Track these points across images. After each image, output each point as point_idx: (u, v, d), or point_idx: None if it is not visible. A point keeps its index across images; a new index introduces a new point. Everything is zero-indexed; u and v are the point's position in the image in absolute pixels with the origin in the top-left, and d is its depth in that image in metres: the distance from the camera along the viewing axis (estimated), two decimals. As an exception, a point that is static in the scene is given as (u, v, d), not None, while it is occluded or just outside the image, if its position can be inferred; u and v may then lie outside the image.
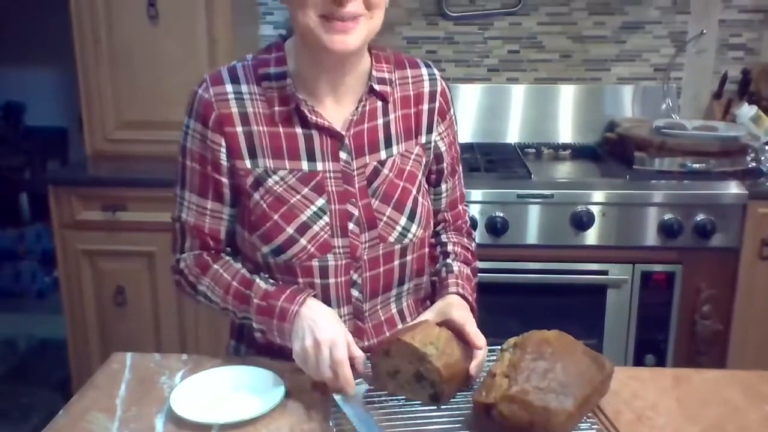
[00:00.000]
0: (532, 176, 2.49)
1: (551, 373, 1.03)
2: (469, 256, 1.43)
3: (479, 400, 1.03)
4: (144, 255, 2.66)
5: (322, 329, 1.17)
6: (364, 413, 1.10)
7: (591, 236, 2.43)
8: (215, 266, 1.32)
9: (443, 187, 1.42)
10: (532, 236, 2.46)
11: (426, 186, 1.39)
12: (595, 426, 1.08)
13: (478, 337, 1.20)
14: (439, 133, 1.37)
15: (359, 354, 1.17)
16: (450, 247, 1.42)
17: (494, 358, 1.26)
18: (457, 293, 1.30)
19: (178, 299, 2.69)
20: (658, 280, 2.47)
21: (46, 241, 3.79)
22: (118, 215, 2.64)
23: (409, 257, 1.34)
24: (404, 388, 1.17)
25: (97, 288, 2.73)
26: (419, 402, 1.16)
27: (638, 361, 2.53)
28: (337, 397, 1.14)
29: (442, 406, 1.14)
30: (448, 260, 1.39)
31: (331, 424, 1.09)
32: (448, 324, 1.22)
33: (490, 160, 2.68)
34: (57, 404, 1.20)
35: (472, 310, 1.30)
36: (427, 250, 1.38)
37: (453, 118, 1.41)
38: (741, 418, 1.15)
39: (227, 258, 1.35)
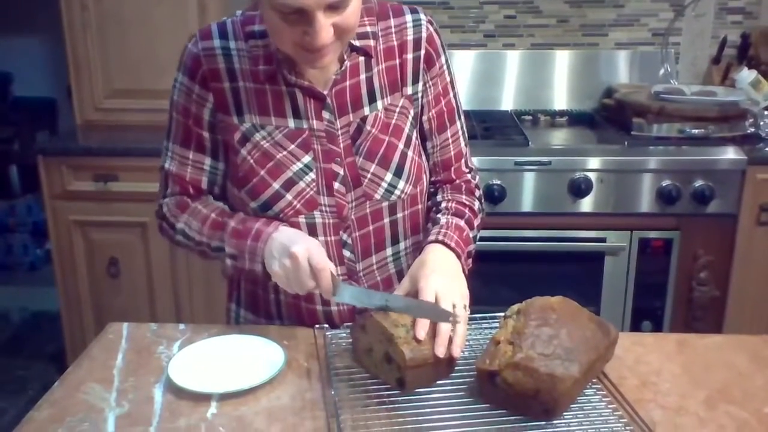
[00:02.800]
0: (530, 143, 2.47)
1: (556, 339, 1.02)
2: (464, 210, 1.34)
3: (483, 368, 1.02)
4: (137, 225, 2.64)
5: (296, 243, 1.15)
6: (361, 290, 1.16)
7: (588, 203, 2.42)
8: (194, 204, 1.31)
9: (429, 143, 1.36)
10: (529, 204, 2.45)
11: (419, 140, 1.34)
12: (600, 392, 1.06)
13: (420, 322, 1.08)
14: (425, 83, 1.32)
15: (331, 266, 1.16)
16: (443, 205, 1.34)
17: (496, 325, 1.25)
18: (436, 241, 1.24)
19: (172, 269, 2.67)
20: (656, 246, 2.46)
21: (36, 213, 3.75)
22: (110, 185, 2.61)
23: (399, 215, 1.31)
24: (377, 368, 1.11)
25: (89, 259, 2.71)
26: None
27: (635, 328, 2.53)
28: (336, 298, 1.16)
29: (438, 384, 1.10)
30: (438, 215, 1.33)
31: (333, 392, 1.07)
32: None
33: (486, 128, 2.65)
34: (52, 376, 1.18)
35: (458, 257, 1.24)
36: (421, 207, 1.35)
37: (445, 66, 1.34)
38: (746, 382, 1.14)
39: (209, 197, 1.33)
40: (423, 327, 1.07)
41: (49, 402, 1.10)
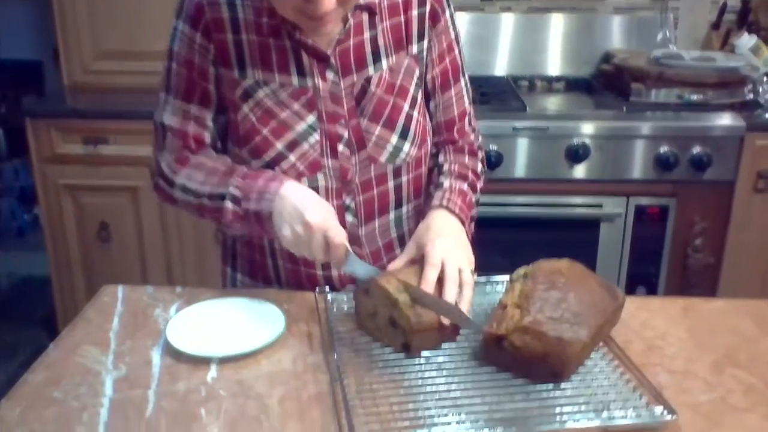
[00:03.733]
0: (527, 109, 2.44)
1: (564, 303, 1.00)
2: (467, 173, 1.31)
3: (490, 332, 1.00)
4: (127, 189, 2.60)
5: (310, 209, 1.09)
6: (373, 269, 1.12)
7: (585, 169, 2.40)
8: (196, 157, 1.24)
9: (432, 102, 1.32)
10: (525, 170, 2.43)
11: (423, 101, 1.30)
12: (608, 356, 1.05)
13: (426, 282, 1.07)
14: (430, 40, 1.27)
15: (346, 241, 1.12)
16: (446, 167, 1.31)
17: (501, 289, 1.23)
18: (441, 206, 1.21)
19: (163, 234, 2.64)
20: (652, 213, 2.45)
21: (24, 177, 3.69)
22: (100, 148, 2.56)
23: (404, 178, 1.28)
24: (381, 332, 1.09)
25: (79, 224, 2.68)
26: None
27: (630, 293, 2.49)
28: (345, 270, 1.14)
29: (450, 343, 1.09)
30: (441, 178, 1.29)
31: (335, 356, 1.05)
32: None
33: (482, 93, 2.61)
34: (43, 341, 1.16)
35: (462, 223, 1.21)
36: (425, 170, 1.32)
37: (449, 23, 1.29)
38: (753, 346, 1.13)
39: (211, 150, 1.27)
40: (429, 290, 1.05)
41: (44, 365, 1.08)
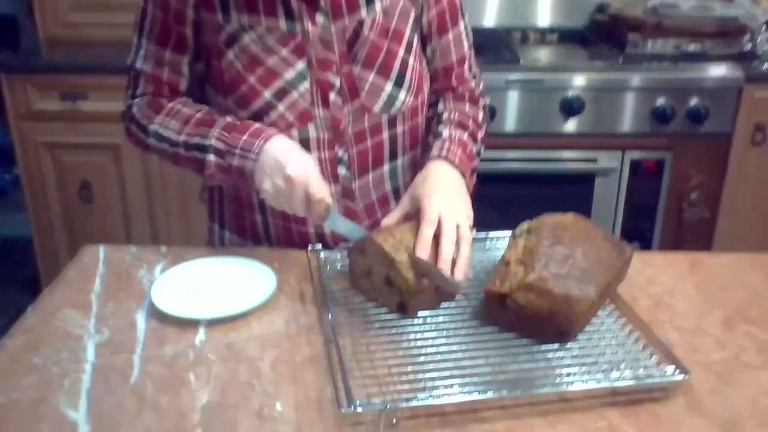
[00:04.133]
0: (521, 60, 2.37)
1: (571, 259, 0.95)
2: (468, 122, 1.24)
3: (493, 290, 0.95)
4: (108, 147, 2.51)
5: (292, 162, 1.05)
6: (356, 226, 1.08)
7: (580, 123, 2.35)
8: (171, 104, 1.18)
9: (429, 47, 1.25)
10: (518, 124, 2.37)
11: (420, 45, 1.23)
12: (615, 313, 1.01)
13: (422, 239, 1.00)
14: None
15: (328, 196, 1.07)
16: (445, 116, 1.24)
17: (500, 245, 1.18)
18: (439, 157, 1.15)
19: (147, 193, 2.57)
20: (648, 167, 2.41)
21: (2, 136, 3.59)
22: (79, 104, 2.48)
23: (399, 128, 1.22)
24: (377, 291, 1.04)
25: (60, 183, 2.60)
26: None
27: (624, 250, 2.49)
28: (327, 225, 1.09)
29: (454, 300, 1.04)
30: (440, 127, 1.23)
31: (329, 316, 1.00)
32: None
33: (474, 44, 2.53)
34: (25, 303, 1.10)
35: (462, 176, 1.15)
36: (421, 119, 1.25)
37: None
38: (764, 302, 1.08)
39: (188, 99, 1.20)
40: (424, 247, 0.99)
41: (22, 329, 1.02)
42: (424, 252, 0.98)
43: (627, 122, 2.35)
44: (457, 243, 1.01)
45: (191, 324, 1.02)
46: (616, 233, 2.48)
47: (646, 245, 2.49)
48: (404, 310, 1.00)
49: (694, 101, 2.30)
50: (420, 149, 1.27)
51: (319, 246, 1.17)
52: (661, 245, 2.50)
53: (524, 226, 1.04)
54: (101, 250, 1.24)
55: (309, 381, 0.91)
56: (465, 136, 1.22)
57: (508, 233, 1.12)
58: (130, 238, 2.64)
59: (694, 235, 2.49)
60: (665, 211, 2.46)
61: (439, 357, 0.91)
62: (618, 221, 2.47)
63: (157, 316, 1.04)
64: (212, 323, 1.03)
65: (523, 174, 2.41)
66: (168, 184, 2.53)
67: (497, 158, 2.36)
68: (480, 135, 1.27)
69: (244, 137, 1.09)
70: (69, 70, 2.47)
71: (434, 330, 0.97)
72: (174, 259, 1.20)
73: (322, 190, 1.05)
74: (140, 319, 1.04)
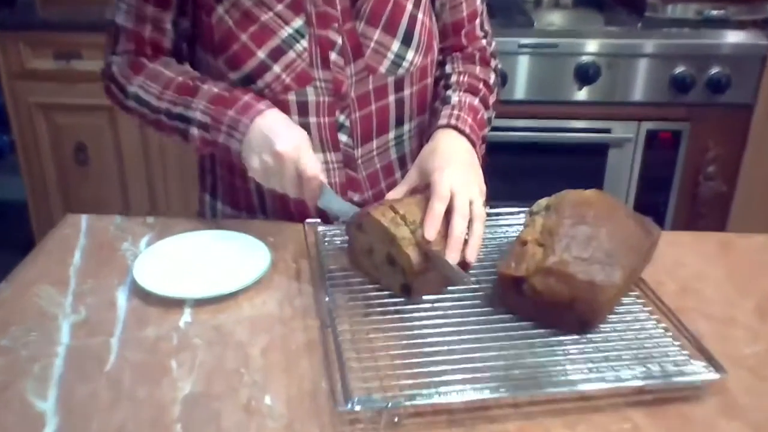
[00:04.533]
0: (534, 24, 2.26)
1: (595, 240, 0.85)
2: (479, 86, 1.15)
3: (507, 273, 0.86)
4: (104, 109, 2.41)
5: (282, 137, 0.96)
6: (352, 207, 1.00)
7: (594, 91, 2.25)
8: (153, 65, 1.09)
9: (438, 1, 1.16)
10: (530, 91, 2.27)
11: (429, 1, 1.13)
12: (640, 300, 0.92)
13: (432, 216, 0.90)
14: None
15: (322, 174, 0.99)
16: (454, 78, 1.15)
17: (516, 222, 1.09)
18: (448, 125, 1.06)
19: (144, 156, 2.49)
20: (664, 138, 2.31)
21: (-3, 96, 3.49)
22: (73, 64, 2.38)
23: (406, 91, 1.12)
24: (379, 270, 0.94)
25: (55, 146, 2.52)
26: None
27: (637, 225, 2.40)
28: (320, 204, 1.00)
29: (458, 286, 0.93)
30: (448, 92, 1.14)
31: (327, 298, 0.91)
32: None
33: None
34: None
35: (473, 145, 1.06)
36: (430, 81, 1.15)
37: None
38: (801, 290, 1.00)
39: (171, 59, 1.11)
40: (433, 225, 0.90)
41: (-7, 306, 0.94)
42: (433, 229, 0.89)
43: (644, 91, 2.25)
44: (470, 221, 0.92)
45: (176, 304, 0.94)
46: (628, 206, 2.39)
47: (659, 220, 2.41)
48: (408, 292, 0.91)
49: (714, 69, 2.20)
50: (428, 115, 1.17)
51: (318, 220, 1.08)
52: (674, 220, 2.42)
53: (542, 202, 0.94)
54: (83, 219, 1.15)
55: (303, 371, 0.83)
56: (476, 101, 1.13)
57: (522, 210, 1.03)
58: (127, 202, 2.57)
59: (710, 210, 2.41)
60: (680, 184, 2.37)
61: (446, 348, 0.82)
62: (631, 194, 2.39)
63: (140, 294, 0.96)
64: (199, 303, 0.94)
65: (533, 144, 2.31)
66: (166, 146, 2.44)
67: (506, 127, 2.26)
68: (491, 100, 1.18)
69: (230, 113, 1.00)
70: (63, 27, 2.37)
71: (441, 317, 0.88)
72: (161, 232, 1.11)
73: (313, 167, 0.96)
74: (121, 298, 0.96)
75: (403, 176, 1.13)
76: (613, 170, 2.35)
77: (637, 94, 2.25)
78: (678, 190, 2.37)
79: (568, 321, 0.84)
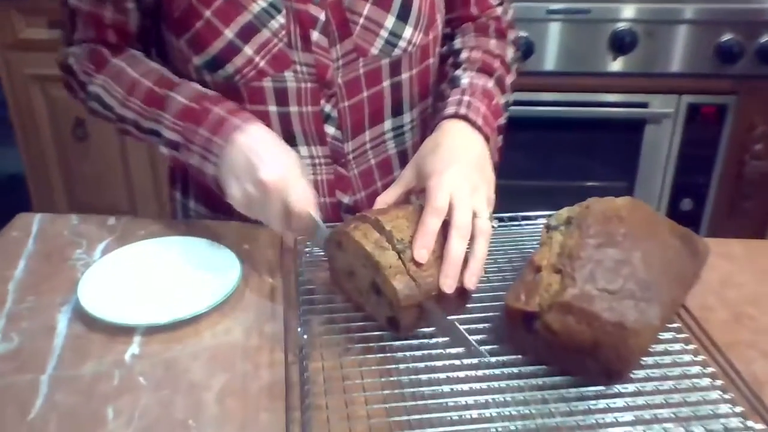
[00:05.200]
0: (564, -13, 2.06)
1: (627, 266, 0.68)
2: (494, 64, 0.97)
3: (515, 307, 0.69)
4: (102, 81, 2.27)
5: (268, 165, 0.80)
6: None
7: (631, 61, 2.05)
8: (116, 60, 0.93)
9: None
10: (560, 61, 2.07)
11: None
12: (681, 335, 0.75)
13: (424, 232, 0.73)
14: None
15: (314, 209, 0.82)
16: (464, 55, 0.98)
17: (532, 230, 0.92)
18: (456, 115, 0.88)
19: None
20: (707, 113, 2.11)
21: None
22: (68, 33, 2.22)
23: (404, 75, 0.95)
24: (363, 297, 0.78)
25: (53, 120, 2.39)
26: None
27: (673, 207, 2.23)
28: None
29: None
30: (457, 72, 0.96)
31: (300, 329, 0.76)
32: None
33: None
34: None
35: (486, 140, 0.88)
36: (433, 61, 0.98)
37: None
38: None
39: (137, 53, 0.96)
40: (424, 244, 0.73)
41: None
42: (424, 250, 0.72)
43: (685, 61, 2.04)
44: (471, 237, 0.75)
45: (124, 331, 0.79)
46: (665, 189, 2.21)
47: (699, 203, 2.22)
48: (396, 327, 0.75)
49: (765, 37, 1.99)
50: (433, 98, 1.00)
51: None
52: (716, 203, 2.23)
53: (563, 214, 0.77)
54: (36, 220, 1.01)
55: (262, 425, 0.68)
56: (490, 84, 0.95)
57: (543, 214, 0.86)
58: (129, 179, 2.44)
59: (756, 191, 2.21)
60: (724, 163, 2.17)
61: (436, 400, 0.66)
62: (668, 175, 2.20)
63: (84, 318, 0.81)
64: (151, 330, 0.79)
65: (562, 119, 2.13)
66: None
67: (532, 101, 2.08)
68: (509, 80, 1.00)
69: (202, 131, 0.85)
70: (56, -7, 2.22)
71: (435, 357, 0.72)
72: (122, 236, 0.97)
73: (304, 202, 0.79)
74: (62, 322, 0.81)
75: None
76: (649, 148, 2.16)
77: (678, 64, 2.05)
78: (721, 171, 2.18)
79: (591, 369, 0.67)
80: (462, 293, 0.73)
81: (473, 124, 0.87)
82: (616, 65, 2.06)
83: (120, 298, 0.83)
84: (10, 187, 3.10)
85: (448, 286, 0.71)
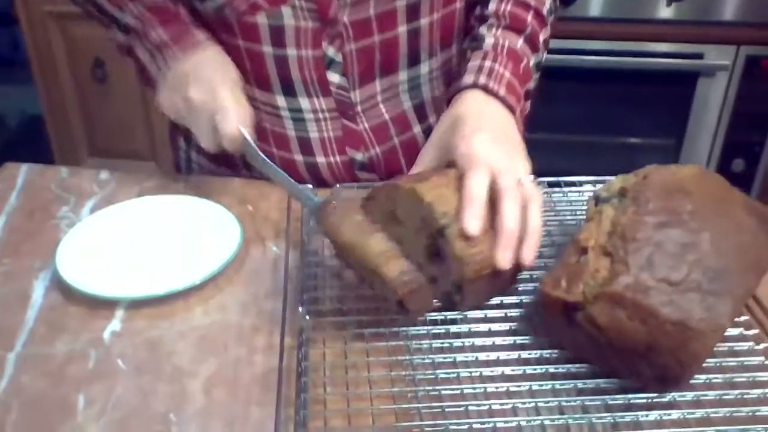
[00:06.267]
0: None
1: (693, 251, 0.57)
2: (526, 18, 0.83)
3: (554, 295, 0.58)
4: (122, 20, 2.16)
5: (197, 85, 0.77)
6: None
7: (686, 8, 1.89)
8: None
9: None
10: (606, 7, 1.93)
11: None
12: (750, 332, 0.63)
13: (471, 201, 0.61)
14: None
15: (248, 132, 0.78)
16: (492, 6, 0.84)
17: (577, 200, 0.80)
18: (476, 86, 0.76)
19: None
20: (767, 67, 1.94)
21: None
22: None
23: (424, 20, 0.82)
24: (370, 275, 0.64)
25: (71, 60, 2.31)
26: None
27: (724, 167, 2.09)
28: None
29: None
30: (482, 29, 0.84)
31: (301, 309, 0.65)
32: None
33: None
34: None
35: (511, 112, 0.76)
36: (459, 6, 0.86)
37: None
38: None
39: None
40: (475, 215, 0.61)
41: None
42: (475, 222, 0.60)
43: (745, 8, 1.89)
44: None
45: (106, 304, 0.70)
46: (716, 148, 2.06)
47: (752, 163, 2.07)
48: (451, 304, 0.64)
49: (835, -16, 1.81)
50: (457, 55, 0.88)
51: (309, 186, 0.81)
52: (771, 163, 2.07)
53: (616, 184, 0.65)
54: (22, 171, 0.91)
55: (253, 422, 0.58)
56: (519, 43, 0.81)
57: (590, 180, 0.75)
58: (149, 122, 2.36)
59: (814, 151, 2.05)
60: (782, 121, 2.01)
61: (455, 402, 0.56)
62: (720, 133, 2.05)
63: (62, 287, 0.72)
64: (136, 304, 0.70)
65: (607, 70, 1.97)
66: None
67: (575, 49, 1.94)
68: (542, 37, 0.85)
69: (161, 31, 0.79)
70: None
71: (456, 349, 0.62)
72: (114, 192, 0.87)
73: (233, 121, 0.76)
74: (38, 290, 0.72)
75: (424, 130, 0.85)
76: (701, 103, 2.01)
77: (737, 12, 1.90)
78: (778, 129, 2.02)
79: (642, 372, 0.56)
80: (513, 271, 0.63)
81: (495, 94, 0.75)
82: (668, 12, 1.91)
83: (103, 266, 0.73)
84: (29, 131, 3.04)
85: (508, 260, 0.60)
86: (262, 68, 0.81)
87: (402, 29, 0.81)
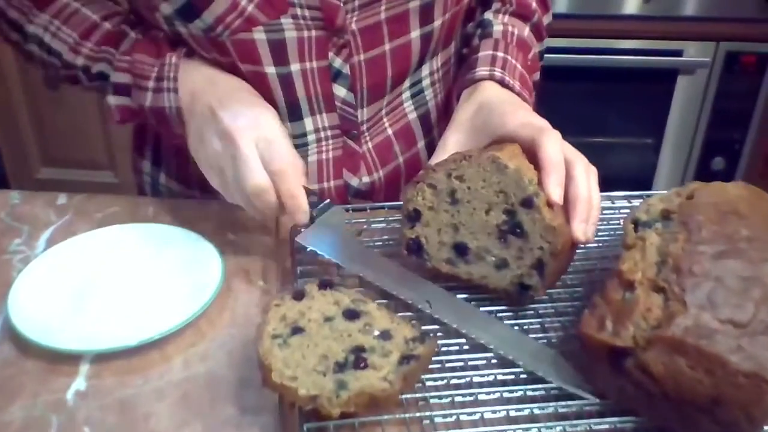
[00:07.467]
0: None
1: (757, 285, 0.49)
2: (531, 4, 0.81)
3: (599, 339, 0.50)
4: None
5: (237, 110, 0.64)
6: (340, 238, 0.65)
7: (664, 3, 1.87)
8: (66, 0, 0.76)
9: None
10: (581, 3, 1.91)
11: None
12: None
13: (554, 171, 0.59)
14: None
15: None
16: None
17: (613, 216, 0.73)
18: (491, 77, 0.72)
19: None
20: (747, 63, 1.93)
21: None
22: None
23: (437, 22, 0.74)
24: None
25: (21, 65, 2.18)
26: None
27: (704, 165, 2.05)
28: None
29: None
30: (488, 16, 0.79)
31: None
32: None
33: None
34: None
35: (525, 101, 0.72)
36: (467, 1, 0.79)
37: None
38: None
39: None
40: (559, 182, 0.59)
41: None
42: (559, 189, 0.59)
43: (724, 3, 1.88)
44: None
45: (68, 359, 0.60)
46: (696, 146, 2.03)
47: (732, 162, 2.05)
48: (527, 288, 0.61)
49: (816, -22, 1.79)
50: (457, 47, 0.81)
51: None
52: (750, 161, 2.06)
53: (656, 205, 0.57)
54: (-32, 199, 0.81)
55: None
56: (526, 31, 0.79)
57: (622, 195, 0.70)
58: (107, 129, 2.25)
59: (795, 149, 2.03)
60: (762, 118, 2.00)
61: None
62: (700, 131, 2.02)
63: (16, 338, 0.62)
64: (103, 358, 0.60)
65: (586, 68, 1.93)
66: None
67: (551, 47, 1.85)
68: (545, 22, 0.84)
69: (153, 61, 0.69)
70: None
71: (479, 402, 0.53)
72: (73, 220, 0.77)
73: (296, 180, 0.63)
74: (-12, 342, 0.62)
75: (426, 144, 0.78)
76: (681, 101, 1.98)
77: (717, 7, 1.89)
78: (758, 126, 2.02)
79: (704, 429, 0.48)
80: (574, 247, 0.61)
81: (511, 89, 0.71)
82: (647, 8, 1.89)
83: (63, 312, 0.63)
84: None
85: (589, 233, 0.59)
86: (266, 90, 0.71)
87: (414, 34, 0.73)
